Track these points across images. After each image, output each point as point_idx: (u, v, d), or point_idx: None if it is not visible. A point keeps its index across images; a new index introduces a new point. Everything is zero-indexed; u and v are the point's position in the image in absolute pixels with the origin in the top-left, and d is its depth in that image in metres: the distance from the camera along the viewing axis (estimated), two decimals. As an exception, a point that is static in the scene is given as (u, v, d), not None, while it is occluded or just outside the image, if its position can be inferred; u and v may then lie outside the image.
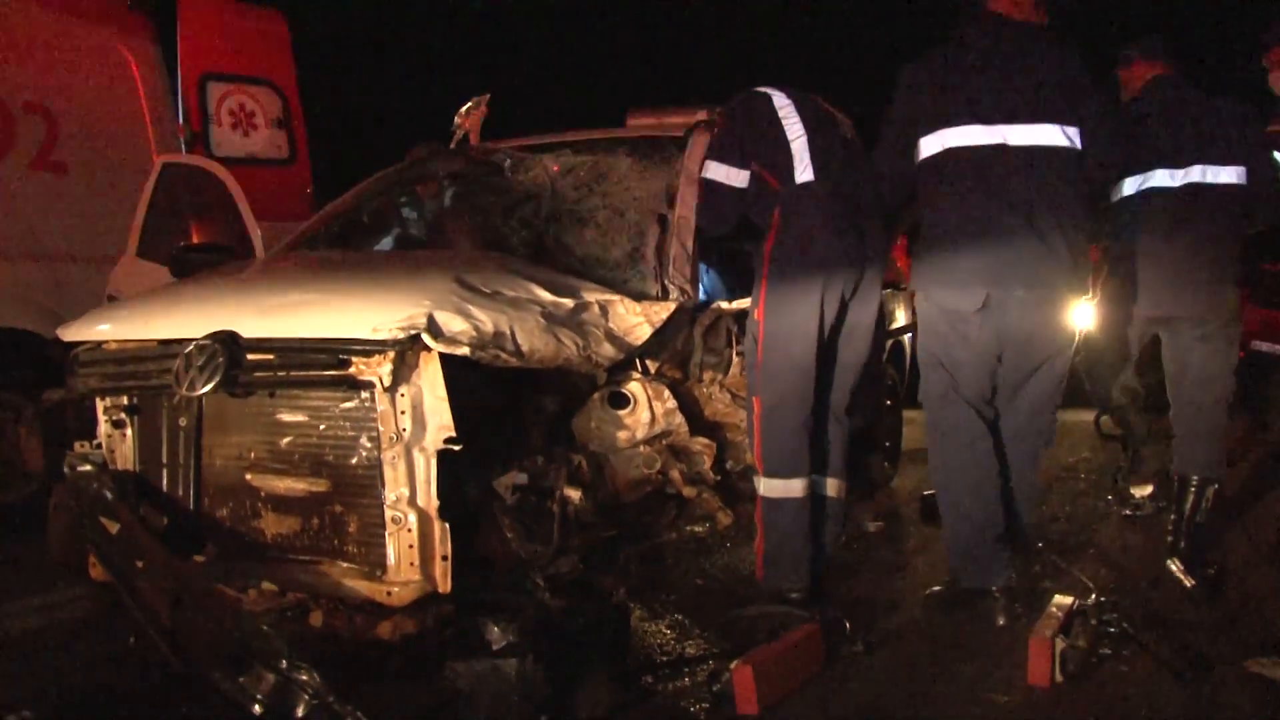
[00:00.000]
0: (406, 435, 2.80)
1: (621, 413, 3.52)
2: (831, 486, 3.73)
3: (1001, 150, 3.29)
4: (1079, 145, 3.37)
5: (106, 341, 3.09)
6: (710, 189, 3.65)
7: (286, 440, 2.88)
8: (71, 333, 3.16)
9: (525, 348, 2.98)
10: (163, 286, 3.54)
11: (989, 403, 3.47)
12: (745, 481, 3.80)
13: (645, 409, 3.55)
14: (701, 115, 4.43)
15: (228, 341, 2.81)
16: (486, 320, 2.92)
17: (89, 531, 2.78)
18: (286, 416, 2.86)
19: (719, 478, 3.84)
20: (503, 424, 3.26)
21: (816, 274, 3.48)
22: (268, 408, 2.90)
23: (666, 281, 3.76)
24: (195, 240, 4.76)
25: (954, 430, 3.45)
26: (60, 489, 2.98)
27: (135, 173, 5.27)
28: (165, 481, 2.98)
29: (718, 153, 3.67)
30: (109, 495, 2.85)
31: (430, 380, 2.80)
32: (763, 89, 3.72)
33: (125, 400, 3.10)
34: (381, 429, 2.79)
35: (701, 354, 3.86)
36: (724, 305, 3.88)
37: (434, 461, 2.81)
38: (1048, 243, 3.28)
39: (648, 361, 3.64)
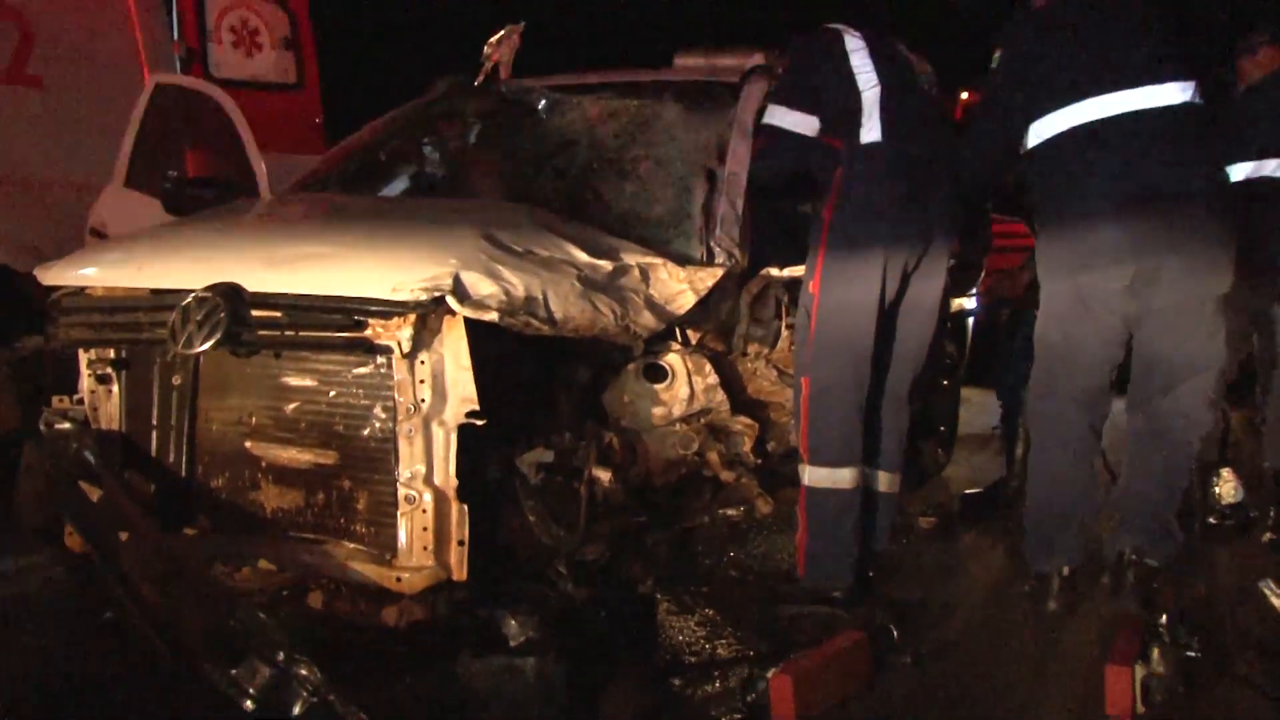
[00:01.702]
0: (425, 407, 2.73)
1: (658, 387, 3.44)
2: (884, 480, 3.67)
3: (1137, 115, 3.22)
4: (1201, 100, 3.29)
5: (92, 287, 3.00)
6: (773, 135, 3.54)
7: (292, 406, 2.81)
8: (53, 275, 3.07)
9: (559, 314, 2.90)
10: (157, 226, 3.45)
11: (1104, 393, 3.41)
12: (788, 465, 3.73)
13: (684, 384, 3.48)
14: (758, 58, 4.30)
15: (230, 295, 2.73)
16: (517, 283, 2.84)
17: (66, 497, 2.72)
18: (293, 380, 2.79)
19: (759, 460, 3.76)
20: (530, 395, 3.18)
21: (879, 245, 3.40)
22: (272, 369, 2.83)
23: (713, 244, 3.67)
24: (191, 172, 4.64)
25: (1053, 426, 3.43)
26: (33, 447, 2.90)
27: (122, 92, 5.17)
28: (154, 445, 2.91)
29: (784, 95, 3.57)
30: (90, 458, 2.79)
31: (454, 347, 2.72)
32: (835, 25, 3.58)
33: (112, 354, 3.03)
34: (398, 399, 2.72)
35: (748, 325, 3.79)
36: (774, 272, 3.78)
37: (454, 436, 2.74)
38: (1197, 206, 3.22)
39: (688, 331, 3.55)
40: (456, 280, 2.73)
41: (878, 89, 3.46)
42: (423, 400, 2.72)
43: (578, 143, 3.92)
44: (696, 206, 3.75)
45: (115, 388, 2.99)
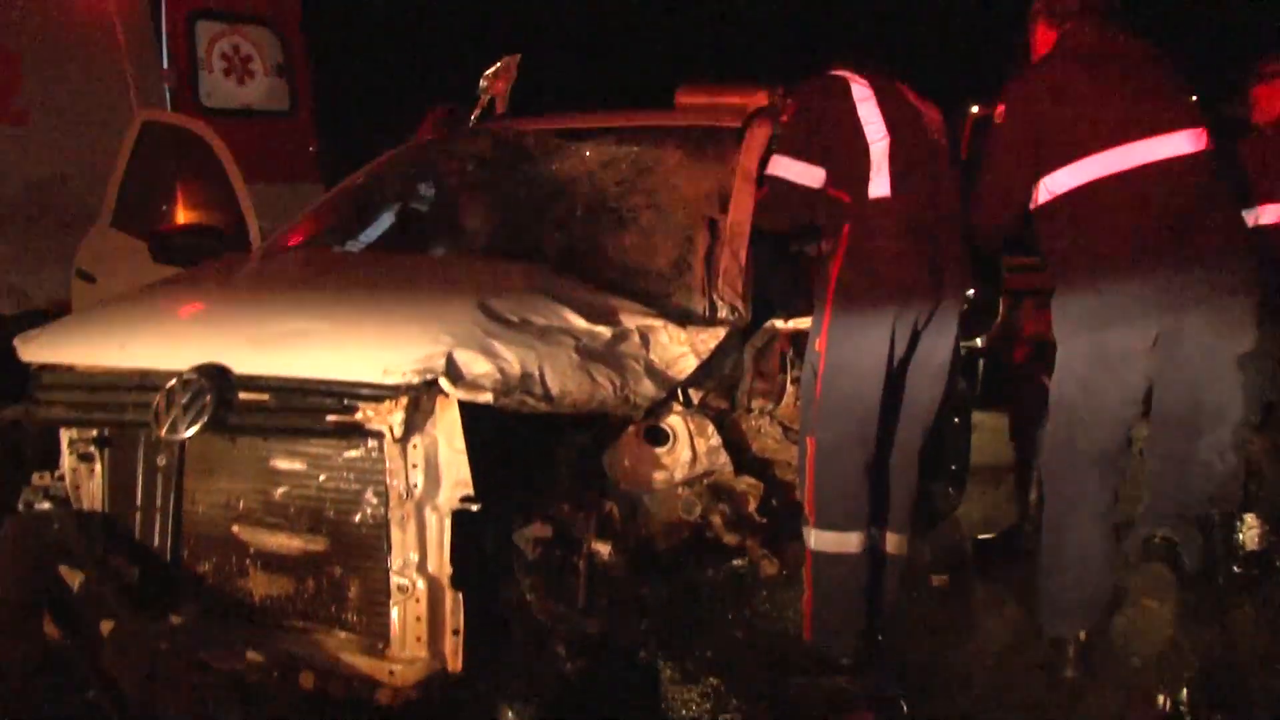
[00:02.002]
0: (418, 492, 2.68)
1: (659, 450, 3.39)
2: (892, 542, 3.63)
3: (1153, 169, 3.19)
4: (1212, 147, 3.27)
5: (75, 364, 2.96)
6: (777, 187, 3.49)
7: (281, 490, 2.77)
8: (33, 350, 3.02)
9: (555, 391, 2.85)
10: (140, 292, 3.39)
11: (1123, 454, 3.36)
12: (794, 518, 3.68)
13: (686, 447, 3.42)
14: (761, 98, 4.25)
15: (216, 377, 2.69)
16: (513, 360, 2.79)
17: (45, 583, 2.67)
18: (282, 463, 2.75)
19: (764, 520, 3.71)
20: (527, 462, 3.13)
21: (887, 304, 3.35)
22: (261, 452, 2.78)
23: (715, 297, 3.62)
24: (179, 212, 4.60)
25: (1069, 488, 3.37)
26: (11, 528, 2.85)
27: (111, 126, 5.11)
28: (138, 527, 2.87)
29: (788, 146, 3.52)
30: (71, 540, 2.74)
31: (447, 430, 2.68)
32: (840, 72, 3.53)
33: (94, 431, 2.98)
34: (390, 484, 2.68)
35: (752, 380, 3.74)
36: (779, 324, 3.73)
37: (448, 522, 2.70)
38: (1218, 259, 3.18)
39: (690, 391, 3.49)
40: (450, 360, 2.68)
41: (886, 141, 3.41)
42: (415, 485, 2.68)
43: (576, 190, 3.87)
44: (698, 258, 3.70)
45: (98, 466, 2.95)
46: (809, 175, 3.46)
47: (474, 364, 2.73)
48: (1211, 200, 3.23)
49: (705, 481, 3.52)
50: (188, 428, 2.67)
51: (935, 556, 4.61)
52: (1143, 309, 3.17)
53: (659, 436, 3.40)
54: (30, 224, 5.10)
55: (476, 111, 4.71)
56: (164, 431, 2.68)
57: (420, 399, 2.67)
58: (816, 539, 3.44)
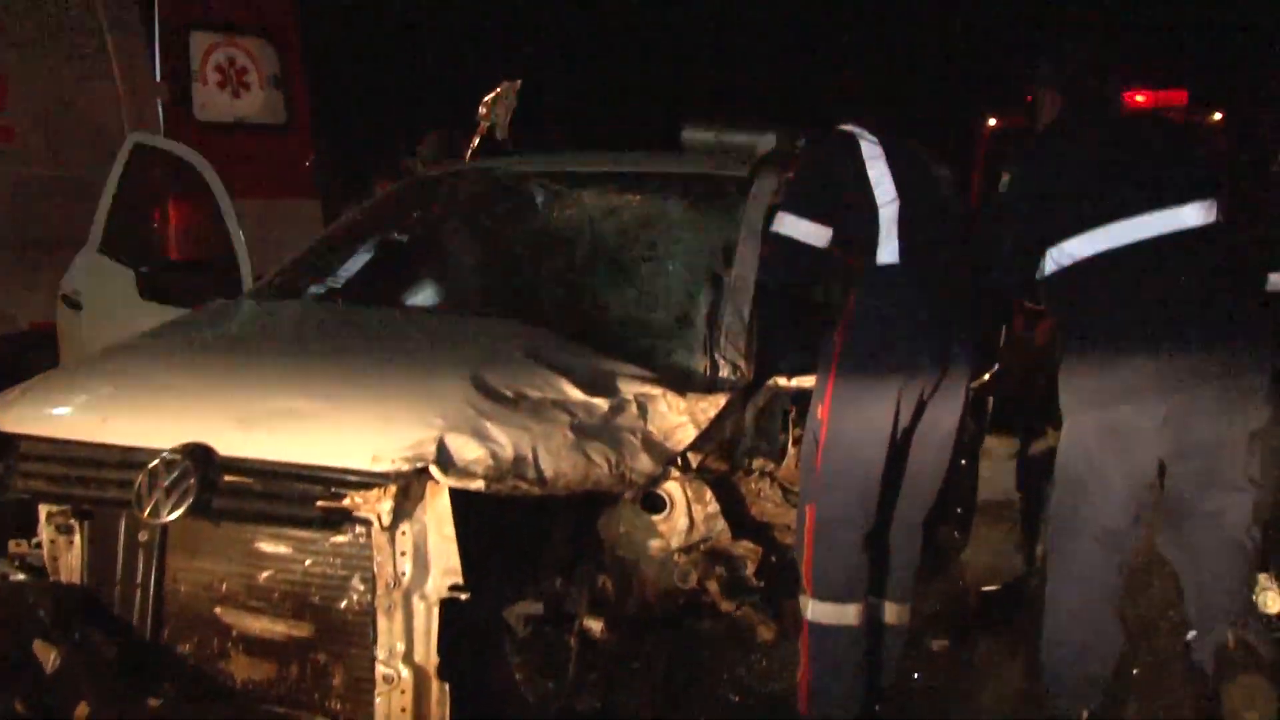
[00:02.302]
0: (406, 580, 2.67)
1: (656, 518, 3.37)
2: (892, 612, 3.62)
3: (1164, 241, 3.16)
4: (1223, 219, 3.24)
5: (54, 436, 2.93)
6: (781, 245, 3.47)
7: (266, 574, 2.76)
8: (12, 419, 2.98)
9: (549, 473, 2.84)
10: (123, 351, 3.37)
11: (1131, 533, 3.33)
12: (792, 579, 3.67)
13: (683, 514, 3.40)
14: (770, 139, 4.22)
15: (201, 458, 2.67)
16: (506, 443, 2.78)
17: (16, 659, 2.66)
18: (267, 546, 2.74)
19: (762, 584, 3.70)
20: (519, 535, 3.12)
21: (894, 374, 3.34)
22: (246, 533, 2.77)
23: (717, 356, 3.60)
24: (169, 241, 4.57)
25: (1074, 566, 3.35)
26: None
27: (101, 142, 5.07)
28: (118, 604, 2.85)
29: (794, 203, 3.50)
30: (46, 615, 2.73)
31: (437, 517, 2.67)
32: (849, 127, 3.50)
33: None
34: (377, 571, 2.67)
35: (752, 440, 3.72)
36: (781, 382, 3.70)
37: (436, 611, 2.68)
38: (1230, 335, 3.16)
39: (688, 454, 3.48)
40: (441, 447, 2.67)
41: (896, 204, 3.38)
42: (403, 573, 2.67)
43: (577, 240, 3.84)
44: (700, 315, 3.69)
45: (77, 538, 2.93)
46: (815, 234, 3.44)
47: (466, 449, 2.71)
48: (1223, 274, 3.21)
49: (702, 547, 3.51)
50: (170, 511, 2.66)
51: (936, 610, 4.59)
52: (1152, 386, 3.14)
53: (655, 503, 3.38)
54: (15, 243, 5.06)
55: (475, 139, 4.68)
56: (146, 514, 2.66)
57: (410, 486, 2.65)
58: (814, 610, 3.43)
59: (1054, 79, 3.49)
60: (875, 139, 3.46)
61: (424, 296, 4.03)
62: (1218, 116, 8.58)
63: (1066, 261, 3.24)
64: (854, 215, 3.41)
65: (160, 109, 5.70)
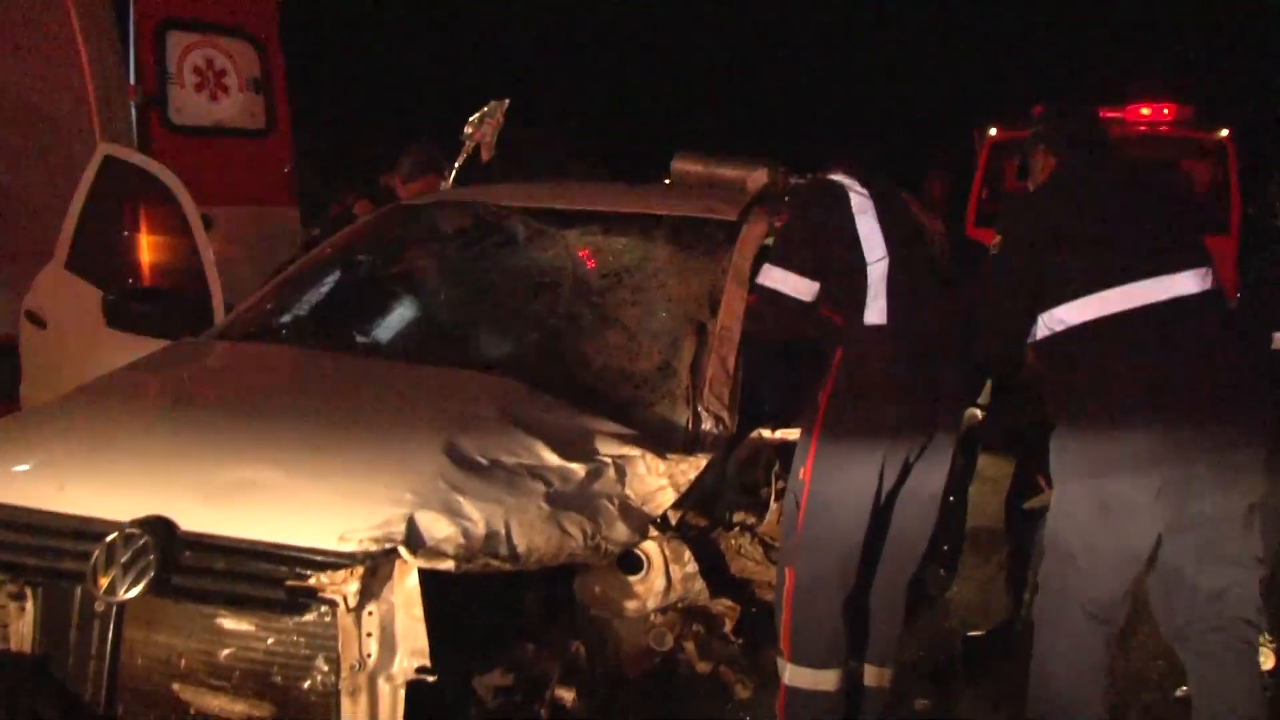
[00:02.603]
0: (371, 662, 2.66)
1: (633, 579, 3.38)
2: (873, 675, 3.64)
3: (1160, 307, 3.17)
4: (1216, 286, 3.26)
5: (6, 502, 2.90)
6: (766, 297, 3.47)
7: (226, 652, 2.74)
8: None
9: (522, 549, 2.84)
10: (82, 402, 3.33)
11: (1122, 607, 3.33)
12: (772, 637, 3.69)
13: (660, 575, 3.41)
14: (761, 174, 4.22)
15: (161, 533, 2.66)
16: (478, 519, 2.78)
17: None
18: (228, 623, 2.72)
19: (740, 641, 3.71)
20: (490, 602, 3.12)
21: (878, 438, 3.35)
22: (207, 609, 2.76)
23: (700, 407, 3.60)
24: (138, 263, 4.53)
25: (1061, 637, 3.34)
26: None
27: (72, 148, 5.02)
28: (70, 677, 2.82)
29: (782, 256, 3.50)
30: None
31: (405, 597, 2.67)
32: (838, 177, 3.49)
33: (27, 572, 2.94)
34: (341, 652, 2.66)
35: (734, 493, 3.72)
36: (765, 434, 3.71)
37: (402, 693, 2.68)
38: (1226, 406, 3.15)
39: (668, 511, 3.48)
40: (410, 525, 2.67)
41: (885, 261, 3.38)
42: (369, 655, 2.66)
43: (560, 283, 3.82)
44: (684, 364, 3.69)
45: (30, 605, 2.89)
46: (801, 288, 3.44)
47: (436, 527, 2.71)
48: (1218, 343, 3.21)
49: (680, 605, 3.52)
50: (128, 589, 2.64)
51: (920, 657, 4.62)
52: (1146, 458, 3.13)
53: (633, 564, 3.38)
54: (-22, 253, 5.01)
55: (460, 159, 4.67)
56: (102, 592, 2.64)
57: (378, 566, 2.64)
58: (792, 674, 3.46)
59: (1047, 139, 3.49)
60: (865, 192, 3.45)
61: (399, 340, 4.01)
62: (1224, 133, 8.58)
63: (1058, 327, 3.24)
64: (841, 271, 3.41)
65: (134, 113, 5.63)
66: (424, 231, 4.23)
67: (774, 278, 3.47)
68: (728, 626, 3.65)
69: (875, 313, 3.36)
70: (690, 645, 3.53)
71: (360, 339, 3.93)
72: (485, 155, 4.63)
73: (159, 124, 5.74)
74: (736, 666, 3.68)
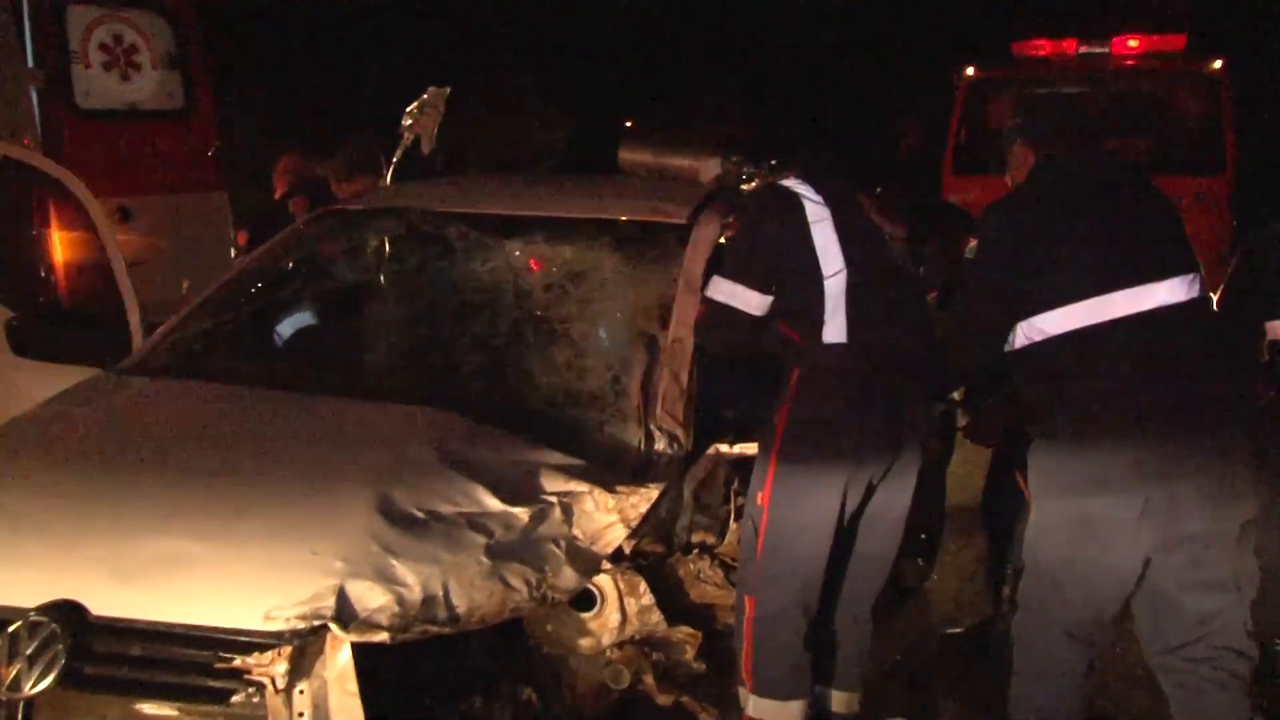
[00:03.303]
0: (305, 742, 2.68)
1: (585, 616, 3.41)
2: (839, 700, 3.70)
3: (1144, 317, 3.18)
4: (1203, 294, 3.29)
5: None
6: (716, 311, 3.48)
7: (148, 738, 2.75)
8: None
9: (462, 609, 2.86)
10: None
11: (1107, 628, 3.38)
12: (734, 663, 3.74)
13: (615, 610, 3.45)
14: (714, 164, 4.20)
15: (70, 621, 2.64)
16: (413, 584, 2.80)
17: None
18: (149, 709, 2.72)
19: (703, 667, 3.77)
20: (433, 652, 3.15)
21: (840, 461, 3.38)
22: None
23: (652, 426, 3.62)
24: (43, 279, 4.45)
25: (1040, 658, 3.39)
26: None
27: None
28: None
29: (733, 268, 3.50)
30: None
31: (338, 673, 2.68)
32: (791, 183, 3.49)
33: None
34: (272, 734, 2.67)
35: (692, 515, 3.75)
36: (723, 449, 3.73)
37: (339, 775, 2.70)
38: (1214, 421, 3.18)
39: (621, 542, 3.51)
40: (341, 598, 2.68)
41: (843, 275, 3.38)
42: (302, 734, 2.69)
43: (501, 298, 3.81)
44: (635, 381, 3.69)
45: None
46: (752, 302, 3.46)
47: (368, 597, 2.72)
48: (1204, 354, 3.23)
49: (636, 639, 3.57)
50: (34, 684, 2.59)
51: (896, 661, 4.69)
52: (1129, 474, 3.15)
53: (585, 600, 3.42)
54: None
55: (398, 154, 4.63)
56: (5, 687, 2.62)
57: (307, 644, 2.66)
58: (755, 706, 3.52)
59: (1025, 131, 3.47)
60: (819, 199, 3.43)
61: (330, 370, 3.98)
62: (1218, 65, 8.55)
63: (1037, 337, 3.24)
64: (797, 286, 3.42)
65: (35, 98, 5.50)
66: (354, 243, 4.19)
67: (723, 290, 3.48)
68: (689, 654, 3.70)
69: (834, 330, 3.37)
70: (649, 678, 3.58)
71: (287, 371, 3.91)
72: (426, 148, 4.58)
73: (65, 110, 5.63)
74: (699, 694, 3.74)
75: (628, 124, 13.78)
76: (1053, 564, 3.32)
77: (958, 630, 4.85)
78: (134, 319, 4.06)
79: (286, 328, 4.09)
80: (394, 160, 4.58)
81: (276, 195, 5.41)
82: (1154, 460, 3.14)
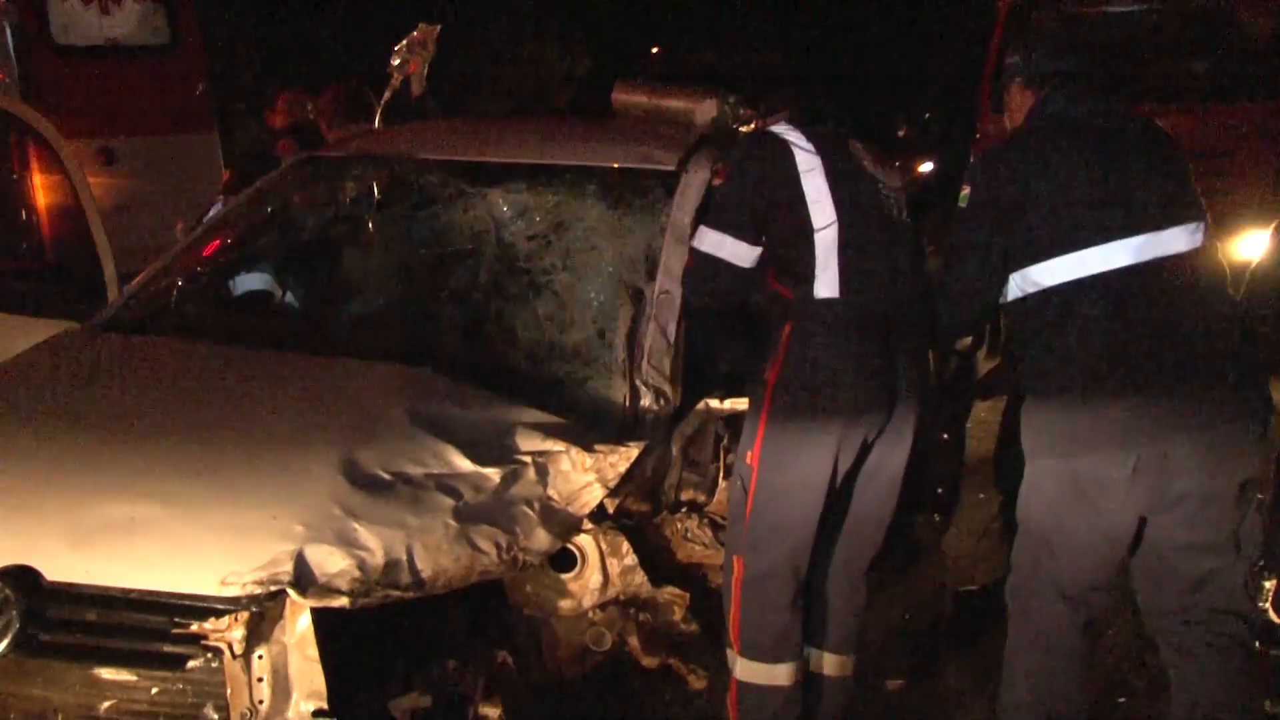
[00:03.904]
0: (264, 709, 2.79)
1: (565, 577, 3.50)
2: (832, 663, 3.73)
3: (1142, 268, 3.19)
4: (1207, 242, 3.29)
5: None
6: (703, 262, 3.51)
7: (107, 705, 2.83)
8: None
9: (427, 573, 2.93)
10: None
11: (1104, 591, 3.40)
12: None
13: (596, 570, 3.53)
14: (710, 105, 4.22)
15: (24, 587, 2.74)
16: (375, 547, 2.87)
17: None
18: (107, 674, 2.82)
19: (692, 628, 3.84)
20: (403, 614, 3.23)
21: (832, 421, 3.40)
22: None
23: (638, 381, 3.67)
24: (19, 230, 4.52)
25: (1035, 624, 3.43)
26: None
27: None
28: None
29: (719, 218, 3.52)
30: None
31: (298, 639, 2.78)
32: (780, 129, 3.50)
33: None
34: (231, 701, 2.77)
35: (680, 473, 3.81)
36: (713, 404, 3.78)
37: (301, 740, 2.81)
38: (1211, 376, 3.19)
39: (605, 499, 3.57)
40: (299, 562, 2.75)
41: (834, 227, 3.39)
42: (261, 702, 2.78)
43: (483, 248, 3.86)
44: (620, 334, 3.74)
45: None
46: (740, 253, 3.47)
47: (328, 561, 2.80)
48: (1205, 307, 3.24)
49: (620, 599, 3.64)
50: None
51: (907, 618, 4.74)
52: (1118, 434, 3.18)
53: (565, 560, 3.50)
54: None
55: (387, 95, 4.66)
56: None
57: (265, 609, 2.74)
58: (742, 669, 3.56)
59: (1024, 72, 3.46)
60: (811, 147, 3.44)
61: (302, 325, 4.06)
62: None
63: (1030, 289, 3.26)
64: (787, 238, 3.43)
65: (9, 34, 5.52)
66: (332, 192, 4.24)
67: (710, 241, 3.49)
68: (677, 615, 3.78)
69: (826, 285, 3.38)
70: (634, 640, 3.66)
71: (260, 327, 3.97)
72: (416, 89, 4.61)
73: (41, 46, 5.64)
74: (687, 656, 3.83)
75: (654, 50, 13.72)
76: (1043, 524, 3.36)
77: (971, 588, 4.88)
78: (108, 270, 4.14)
79: (258, 282, 4.14)
80: (382, 103, 4.61)
81: (277, 129, 5.44)
82: (1146, 418, 3.16)
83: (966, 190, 3.38)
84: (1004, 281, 3.33)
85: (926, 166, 12.14)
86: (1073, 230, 3.20)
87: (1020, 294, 3.29)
